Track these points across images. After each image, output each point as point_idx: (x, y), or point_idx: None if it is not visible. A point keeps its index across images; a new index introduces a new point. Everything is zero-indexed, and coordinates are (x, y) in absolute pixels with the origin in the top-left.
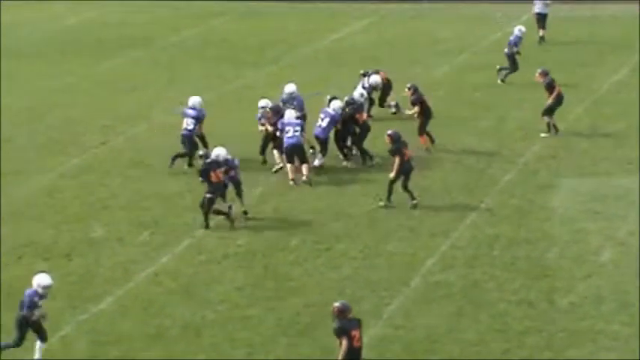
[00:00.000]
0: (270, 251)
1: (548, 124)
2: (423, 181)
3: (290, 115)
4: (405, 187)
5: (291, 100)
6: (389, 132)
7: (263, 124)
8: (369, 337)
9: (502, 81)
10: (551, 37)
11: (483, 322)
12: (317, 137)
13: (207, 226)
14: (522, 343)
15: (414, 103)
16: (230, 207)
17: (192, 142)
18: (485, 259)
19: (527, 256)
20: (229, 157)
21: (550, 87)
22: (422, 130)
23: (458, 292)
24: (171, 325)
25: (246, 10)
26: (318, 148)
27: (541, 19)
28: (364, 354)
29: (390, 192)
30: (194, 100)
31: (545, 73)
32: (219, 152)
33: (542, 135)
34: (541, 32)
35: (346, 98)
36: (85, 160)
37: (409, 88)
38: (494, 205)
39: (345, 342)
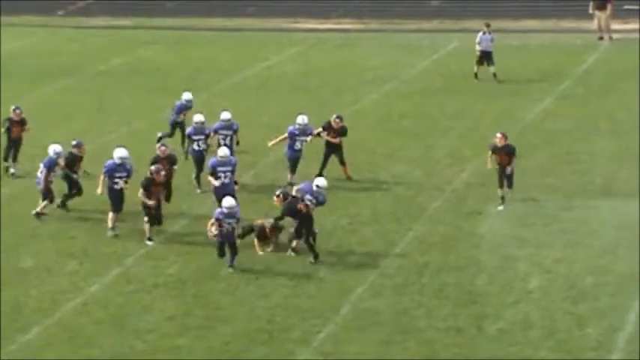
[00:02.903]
0: (200, 280)
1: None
2: (352, 208)
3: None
4: (307, 241)
5: (229, 127)
6: (277, 192)
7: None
8: None
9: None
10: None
11: (412, 350)
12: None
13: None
14: None
15: (340, 133)
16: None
17: None
18: (414, 287)
19: (456, 283)
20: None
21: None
22: (343, 159)
23: (387, 319)
24: (100, 355)
25: (175, 39)
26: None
27: (486, 56)
28: None
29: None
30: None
31: (505, 137)
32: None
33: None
34: (492, 69)
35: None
36: (14, 189)
37: (338, 118)
38: (423, 233)
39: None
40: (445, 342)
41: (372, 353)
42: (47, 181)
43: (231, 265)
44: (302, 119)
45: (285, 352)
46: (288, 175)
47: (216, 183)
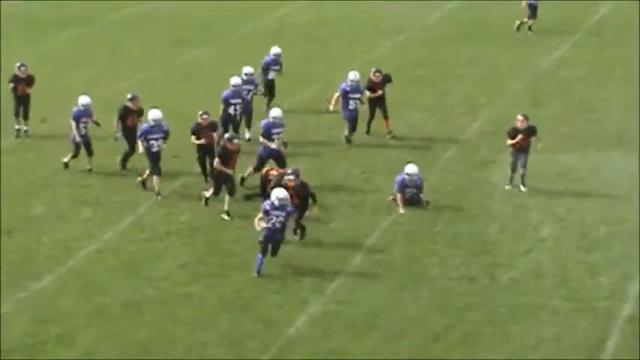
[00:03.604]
0: (213, 228)
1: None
2: (366, 158)
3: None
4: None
5: (250, 81)
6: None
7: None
8: (311, 313)
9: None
10: (493, 17)
11: (424, 298)
12: None
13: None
14: (463, 319)
15: (384, 83)
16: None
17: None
18: (427, 236)
19: (468, 232)
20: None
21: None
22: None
23: (400, 268)
24: (112, 302)
25: None
26: None
27: (532, 9)
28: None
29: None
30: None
31: (526, 118)
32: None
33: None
34: (530, 21)
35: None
36: (25, 138)
37: (378, 72)
38: (436, 182)
39: None
40: (457, 290)
41: (384, 301)
42: (76, 134)
43: (258, 271)
44: (354, 75)
45: (298, 300)
46: (345, 131)
47: (274, 145)
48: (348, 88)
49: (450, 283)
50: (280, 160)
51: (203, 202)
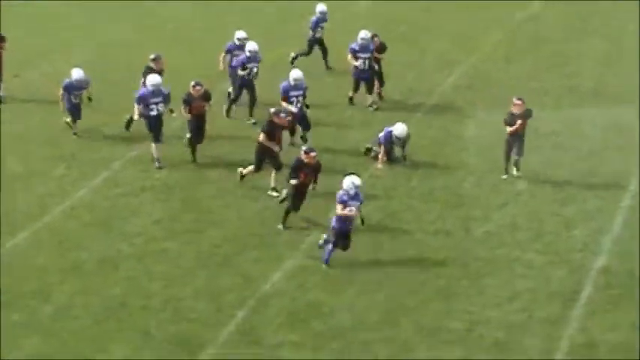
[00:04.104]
0: (188, 184)
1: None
2: (344, 112)
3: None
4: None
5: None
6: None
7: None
8: (287, 268)
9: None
10: None
11: (401, 252)
12: None
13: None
14: (439, 272)
15: (380, 50)
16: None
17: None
18: (403, 190)
19: (444, 186)
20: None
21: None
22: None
23: (376, 222)
24: (88, 258)
25: None
26: None
27: None
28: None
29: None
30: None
31: (523, 101)
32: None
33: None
34: None
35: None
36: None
37: (376, 36)
38: (412, 137)
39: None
40: (433, 245)
41: (361, 256)
42: (66, 103)
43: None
44: (364, 34)
45: (275, 255)
46: (350, 92)
47: (293, 109)
48: (356, 47)
49: (426, 237)
50: (304, 123)
51: (238, 178)
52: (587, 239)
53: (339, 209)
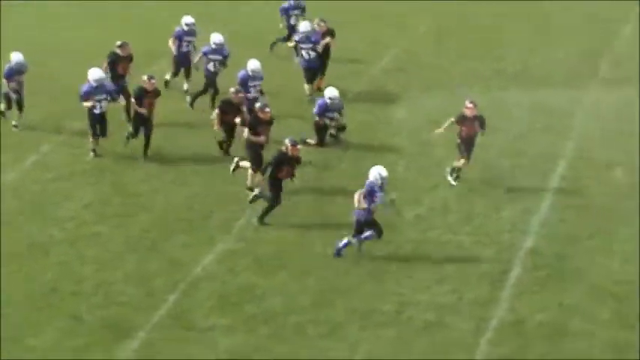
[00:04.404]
0: (118, 168)
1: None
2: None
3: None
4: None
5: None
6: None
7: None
8: (218, 251)
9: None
10: None
11: (332, 235)
12: None
13: None
14: (370, 255)
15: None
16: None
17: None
18: (333, 172)
19: None
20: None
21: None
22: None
23: (306, 205)
24: (18, 243)
25: None
26: None
27: None
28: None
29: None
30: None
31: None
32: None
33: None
34: None
35: None
36: None
37: (322, 21)
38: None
39: None
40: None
41: (291, 238)
42: (10, 91)
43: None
44: (305, 27)
45: (206, 238)
46: (305, 86)
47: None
48: (298, 39)
49: None
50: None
51: (232, 168)
52: (515, 221)
53: (361, 202)
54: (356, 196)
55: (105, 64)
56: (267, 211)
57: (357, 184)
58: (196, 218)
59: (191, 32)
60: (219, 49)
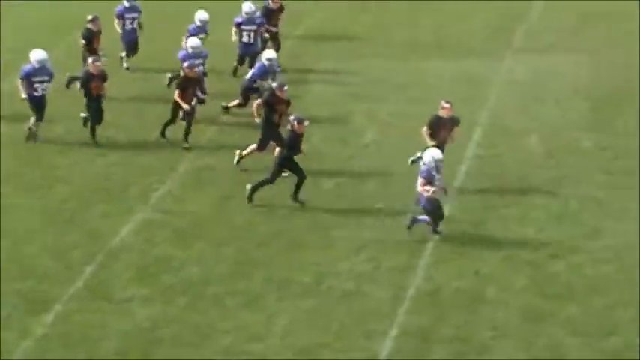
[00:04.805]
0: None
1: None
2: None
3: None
4: None
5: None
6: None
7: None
8: (136, 222)
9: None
10: None
11: (250, 206)
12: None
13: None
14: (289, 225)
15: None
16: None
17: None
18: (250, 143)
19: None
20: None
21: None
22: None
23: (224, 176)
24: None
25: None
26: None
27: None
28: None
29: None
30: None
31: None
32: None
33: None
34: None
35: None
36: None
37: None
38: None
39: None
40: (283, 197)
41: (209, 209)
42: None
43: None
44: (249, 7)
45: (124, 209)
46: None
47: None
48: (240, 20)
49: (276, 190)
50: (201, 88)
51: (235, 162)
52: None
53: (424, 187)
54: (420, 188)
55: (82, 42)
56: (259, 186)
57: (273, 154)
58: (115, 189)
59: (134, 8)
60: (202, 27)
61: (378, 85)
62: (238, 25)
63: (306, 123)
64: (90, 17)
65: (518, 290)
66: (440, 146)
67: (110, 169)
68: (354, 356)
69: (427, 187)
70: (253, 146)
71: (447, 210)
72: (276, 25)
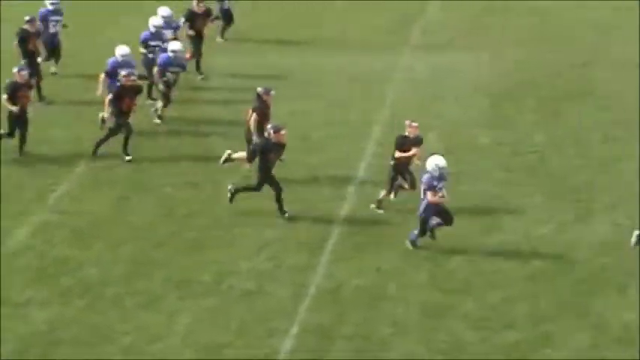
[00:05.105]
0: None
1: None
2: None
3: None
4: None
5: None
6: None
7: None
8: (33, 223)
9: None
10: None
11: (149, 207)
12: None
13: None
14: (188, 225)
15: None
16: None
17: None
18: (148, 144)
19: (191, 143)
20: None
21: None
22: None
23: (122, 177)
24: None
25: None
26: None
27: None
28: None
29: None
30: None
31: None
32: None
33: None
34: None
35: None
36: None
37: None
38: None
39: None
40: (182, 197)
41: (107, 210)
42: None
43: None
44: (166, 10)
45: (21, 211)
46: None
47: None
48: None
49: (175, 190)
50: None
51: (222, 161)
52: (332, 187)
53: (428, 195)
54: (429, 198)
55: (15, 43)
56: (242, 190)
57: (175, 155)
58: (11, 189)
59: (57, 11)
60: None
61: (277, 83)
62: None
63: (283, 131)
64: (27, 18)
65: (418, 286)
66: (406, 166)
67: (7, 170)
68: (255, 354)
69: (430, 194)
70: (243, 154)
71: (348, 207)
72: (200, 30)
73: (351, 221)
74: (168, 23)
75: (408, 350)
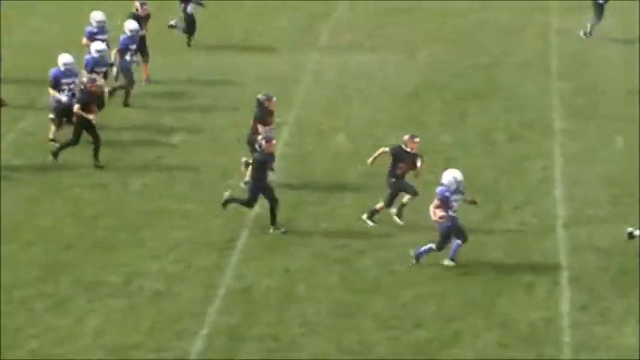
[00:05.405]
0: None
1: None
2: None
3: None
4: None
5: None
6: None
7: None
8: None
9: None
10: None
11: (58, 208)
12: None
13: None
14: (96, 225)
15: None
16: None
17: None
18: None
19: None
20: None
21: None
22: None
23: (32, 178)
24: None
25: None
26: None
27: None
28: None
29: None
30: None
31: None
32: None
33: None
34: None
35: None
36: None
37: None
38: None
39: None
40: (90, 198)
41: (18, 211)
42: None
43: (452, 259)
44: (100, 15)
45: None
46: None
47: (64, 98)
48: (95, 30)
49: (83, 191)
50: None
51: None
52: (243, 188)
53: (435, 209)
54: (432, 209)
55: None
56: (233, 201)
57: (80, 153)
58: None
59: None
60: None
61: (185, 84)
62: (91, 35)
63: (274, 141)
64: None
65: (328, 287)
66: (399, 177)
67: None
68: (165, 356)
69: (436, 211)
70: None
71: (257, 207)
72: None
73: (260, 220)
74: (102, 29)
75: (318, 350)
